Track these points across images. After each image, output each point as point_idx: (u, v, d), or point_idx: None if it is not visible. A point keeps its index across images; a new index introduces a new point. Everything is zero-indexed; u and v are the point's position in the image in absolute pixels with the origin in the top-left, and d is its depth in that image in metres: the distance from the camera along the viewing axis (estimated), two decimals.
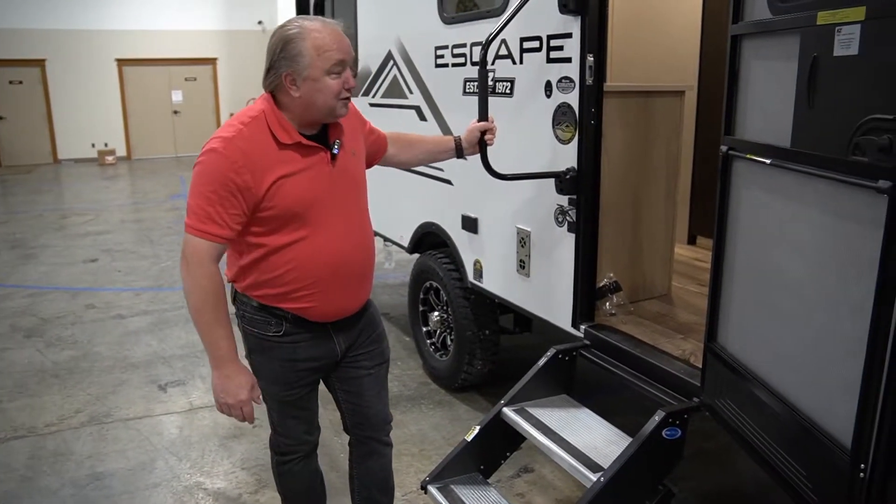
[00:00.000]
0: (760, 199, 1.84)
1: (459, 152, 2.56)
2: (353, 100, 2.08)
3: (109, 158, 16.13)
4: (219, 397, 2.02)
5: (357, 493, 2.47)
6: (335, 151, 2.03)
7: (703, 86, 4.03)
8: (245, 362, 2.09)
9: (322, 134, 2.03)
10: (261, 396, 2.12)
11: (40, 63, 15.76)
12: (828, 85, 1.51)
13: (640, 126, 3.03)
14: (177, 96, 17.08)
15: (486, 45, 2.55)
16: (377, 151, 2.42)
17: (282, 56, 1.89)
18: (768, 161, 1.73)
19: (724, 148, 1.95)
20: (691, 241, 4.22)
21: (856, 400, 1.42)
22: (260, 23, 17.01)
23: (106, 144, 16.46)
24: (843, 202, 1.49)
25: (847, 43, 1.43)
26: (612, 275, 3.05)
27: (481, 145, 2.58)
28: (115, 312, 5.77)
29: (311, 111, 1.95)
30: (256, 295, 2.05)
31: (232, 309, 2.04)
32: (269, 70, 1.94)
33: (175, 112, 17.20)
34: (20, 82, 15.79)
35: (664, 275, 3.28)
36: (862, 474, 1.40)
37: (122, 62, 16.37)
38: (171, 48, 16.48)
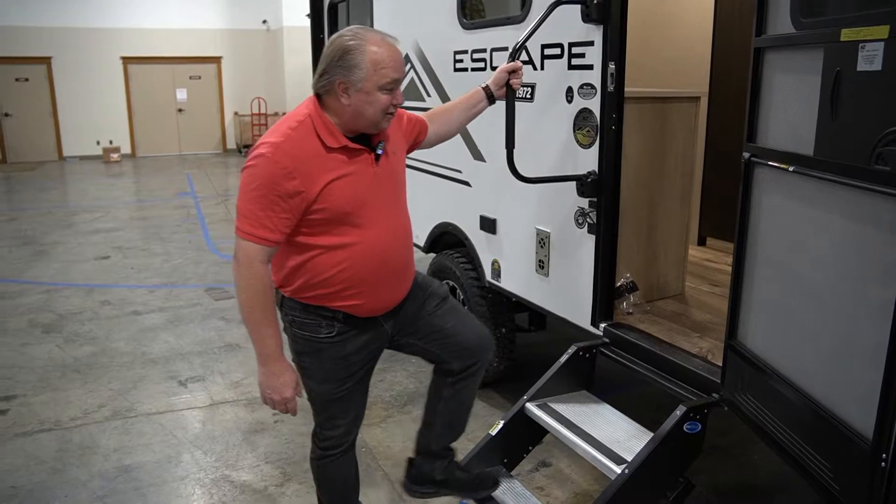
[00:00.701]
0: (782, 204, 1.93)
1: (491, 99, 2.61)
2: None
3: (114, 156, 16.21)
4: (264, 392, 2.10)
5: (440, 415, 2.50)
6: (379, 153, 2.12)
7: (714, 91, 4.13)
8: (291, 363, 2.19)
9: (364, 135, 2.11)
10: (304, 392, 2.20)
11: (46, 61, 15.83)
12: (851, 98, 1.60)
13: (656, 131, 3.12)
14: (181, 94, 17.15)
15: (513, 54, 2.63)
16: (419, 136, 2.49)
17: (338, 64, 1.96)
18: (791, 168, 1.82)
19: (746, 155, 2.04)
20: (701, 242, 4.32)
21: (877, 393, 1.52)
22: (264, 22, 17.08)
23: (111, 142, 16.54)
24: (865, 209, 1.59)
25: (870, 59, 1.52)
26: (629, 275, 3.15)
27: (508, 89, 2.60)
28: (131, 309, 5.86)
29: (358, 121, 2.03)
30: (306, 297, 2.12)
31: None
32: (322, 74, 2.00)
33: (179, 110, 17.27)
34: (26, 80, 15.86)
35: (678, 275, 3.37)
36: (883, 464, 1.50)
37: (127, 60, 16.44)
38: (176, 47, 16.56)
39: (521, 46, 2.64)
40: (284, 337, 2.18)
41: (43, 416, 3.94)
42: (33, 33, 15.44)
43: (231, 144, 17.85)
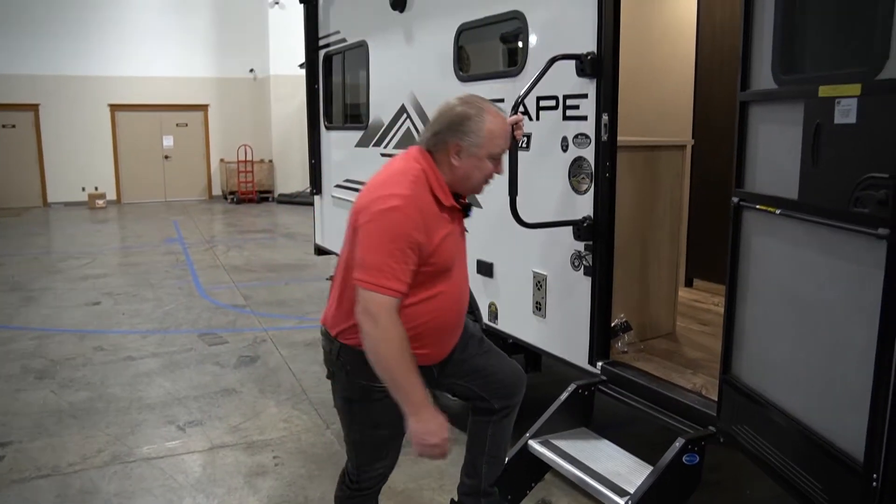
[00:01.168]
0: (769, 244, 2.08)
1: None
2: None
3: (100, 202, 16.23)
4: (423, 440, 2.07)
5: (487, 454, 2.58)
6: (469, 214, 2.29)
7: (697, 139, 4.33)
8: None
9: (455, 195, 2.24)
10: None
11: (34, 108, 15.95)
12: (830, 147, 1.77)
13: (646, 177, 3.29)
14: (168, 141, 17.30)
15: (515, 107, 2.79)
16: None
17: (457, 129, 2.10)
18: (778, 211, 1.97)
19: (735, 199, 2.20)
20: (688, 283, 4.47)
21: (866, 419, 1.64)
22: (251, 71, 17.37)
23: (96, 188, 16.57)
24: (846, 248, 1.73)
25: (846, 113, 1.69)
26: (622, 315, 3.28)
27: (511, 141, 2.70)
28: (125, 355, 5.87)
29: (463, 183, 2.18)
30: None
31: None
32: (436, 133, 2.14)
33: (166, 157, 17.39)
34: (13, 126, 15.95)
35: (669, 315, 3.51)
36: (874, 483, 1.61)
37: (115, 107, 16.61)
38: (163, 94, 16.77)
39: (522, 100, 2.81)
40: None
41: (40, 462, 3.94)
42: (22, 81, 15.58)
43: (217, 191, 17.95)
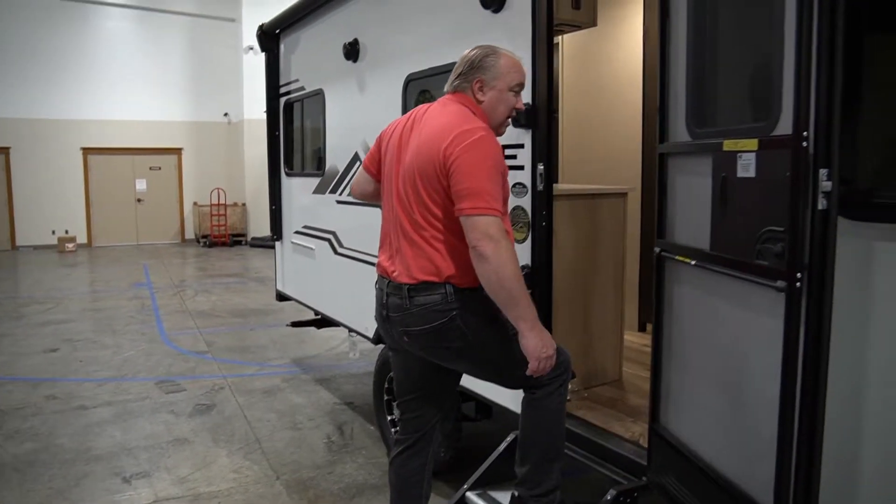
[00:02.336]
0: (689, 294, 2.10)
1: None
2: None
3: (70, 246, 16.06)
4: (540, 353, 2.16)
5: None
6: None
7: (647, 185, 4.40)
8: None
9: None
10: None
11: (5, 151, 15.86)
12: (734, 200, 1.80)
13: (587, 225, 3.33)
14: (141, 185, 17.25)
15: None
16: None
17: (479, 66, 2.28)
18: (693, 262, 2.00)
19: (657, 249, 2.22)
20: (641, 328, 4.49)
21: (773, 467, 1.64)
22: (226, 115, 17.48)
23: (67, 231, 16.42)
24: (752, 299, 1.76)
25: (746, 167, 1.73)
26: None
27: None
28: (78, 404, 5.73)
29: (490, 118, 2.31)
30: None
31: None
32: (460, 75, 2.31)
33: (138, 200, 17.32)
34: None
35: (615, 361, 3.51)
36: None
37: (87, 151, 16.57)
38: (137, 138, 16.79)
39: None
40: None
41: None
42: None
43: (190, 234, 17.86)
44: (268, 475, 4.31)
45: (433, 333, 2.29)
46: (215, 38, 16.52)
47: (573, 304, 3.33)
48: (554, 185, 3.03)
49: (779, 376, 1.64)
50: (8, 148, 15.87)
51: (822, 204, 1.53)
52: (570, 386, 3.24)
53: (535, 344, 2.15)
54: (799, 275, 1.55)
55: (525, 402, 2.47)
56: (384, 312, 2.40)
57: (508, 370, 2.39)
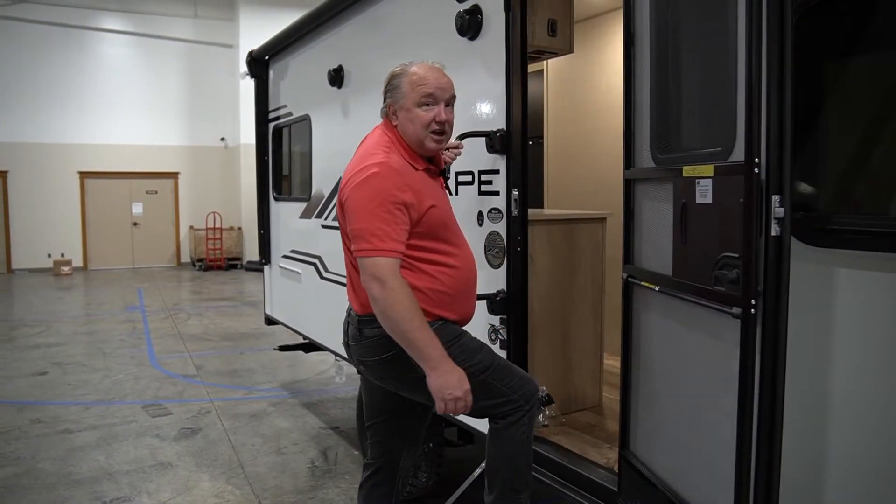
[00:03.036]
0: (655, 320, 2.10)
1: None
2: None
3: (65, 269, 16.05)
4: (444, 394, 2.09)
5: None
6: (447, 176, 2.40)
7: None
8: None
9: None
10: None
11: (2, 175, 15.94)
12: (694, 226, 1.81)
13: (565, 250, 3.34)
14: (137, 208, 17.31)
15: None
16: None
17: (389, 89, 2.26)
18: (657, 288, 2.00)
19: (624, 275, 2.23)
20: None
21: (732, 499, 1.63)
22: (223, 139, 17.57)
23: (62, 254, 16.43)
24: (711, 325, 1.76)
25: (704, 193, 1.74)
26: (544, 388, 3.25)
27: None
28: (63, 427, 5.70)
29: (408, 141, 2.25)
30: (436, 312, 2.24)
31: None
32: (384, 100, 2.30)
33: (135, 224, 17.36)
34: None
35: (594, 387, 3.49)
36: None
37: (84, 175, 16.65)
38: (133, 162, 16.87)
39: (465, 135, 2.90)
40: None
41: None
42: None
43: (185, 258, 17.87)
44: (249, 500, 4.27)
45: (384, 365, 2.29)
46: (213, 64, 16.67)
47: (551, 330, 3.32)
48: (531, 210, 3.05)
49: (733, 399, 1.64)
50: (5, 171, 15.95)
51: (775, 230, 1.54)
52: (548, 412, 3.24)
53: (438, 385, 2.10)
54: (753, 301, 1.56)
55: (489, 432, 2.44)
56: (345, 339, 2.41)
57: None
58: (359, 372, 2.55)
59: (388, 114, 2.29)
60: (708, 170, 1.70)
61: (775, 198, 1.53)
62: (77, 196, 16.72)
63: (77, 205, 16.73)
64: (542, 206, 5.04)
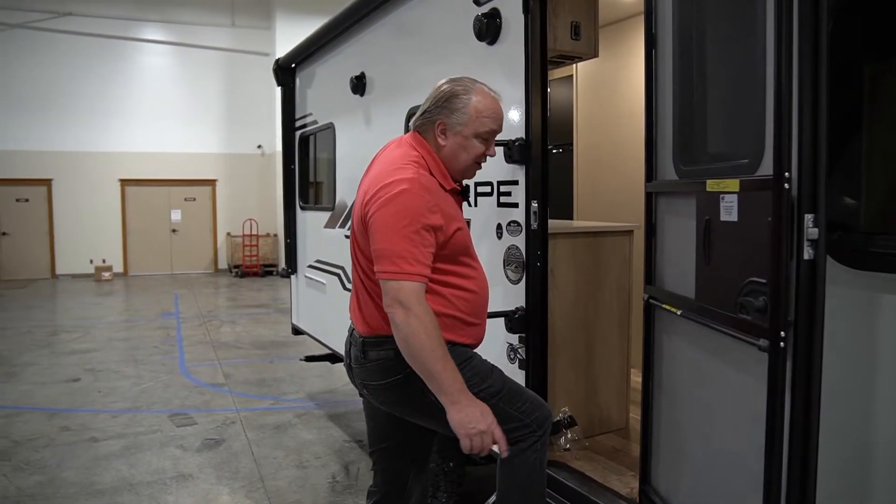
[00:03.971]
0: (677, 345, 1.93)
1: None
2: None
3: (106, 275, 16.36)
4: (468, 429, 1.96)
5: None
6: (468, 198, 2.29)
7: None
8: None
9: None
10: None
11: (47, 182, 16.33)
12: (718, 246, 1.65)
13: (589, 264, 3.17)
14: (176, 215, 17.57)
15: None
16: None
17: (443, 106, 2.08)
18: (679, 312, 1.83)
19: (645, 296, 2.06)
20: None
21: None
22: (259, 147, 17.72)
23: (104, 261, 16.74)
24: (738, 354, 1.59)
25: (729, 210, 1.57)
26: (566, 409, 3.10)
27: None
28: (89, 435, 5.71)
29: (451, 164, 2.12)
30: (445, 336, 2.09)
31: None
32: (425, 112, 2.12)
33: (174, 231, 17.62)
34: (27, 200, 16.31)
35: (621, 408, 3.32)
36: None
37: (125, 182, 16.96)
38: (172, 169, 17.13)
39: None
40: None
41: None
42: (36, 157, 16.03)
43: (223, 264, 18.05)
44: None
45: (390, 389, 2.16)
46: (250, 72, 16.82)
47: (574, 348, 3.16)
48: (554, 222, 2.91)
49: (760, 437, 1.47)
50: (50, 180, 16.34)
51: (808, 253, 1.37)
52: (570, 435, 3.07)
53: (460, 420, 1.96)
54: (783, 333, 1.39)
55: (499, 460, 2.30)
56: (348, 361, 2.29)
57: None
58: (361, 395, 2.42)
59: (436, 132, 2.12)
60: (733, 184, 1.54)
61: (808, 217, 1.36)
62: (118, 203, 17.04)
63: (118, 212, 17.05)
64: (570, 218, 4.88)
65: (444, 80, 2.15)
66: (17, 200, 16.26)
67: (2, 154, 15.79)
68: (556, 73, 5.18)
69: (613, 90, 4.53)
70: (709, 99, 1.80)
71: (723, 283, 1.61)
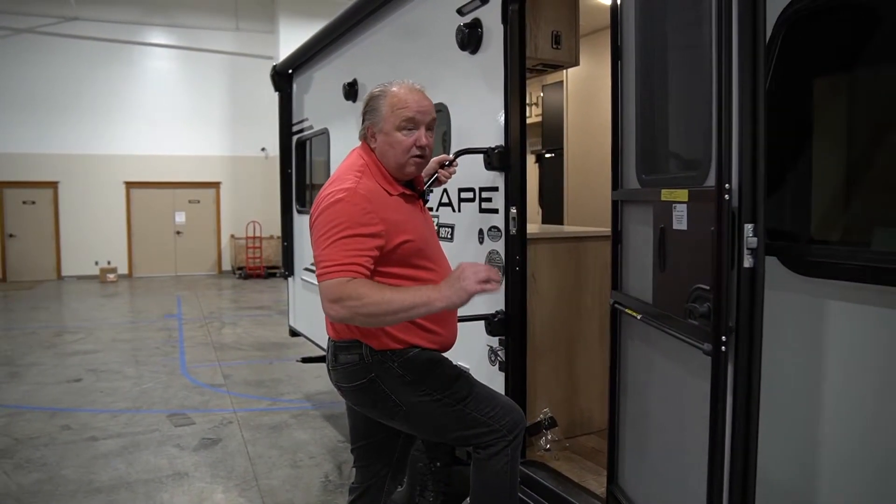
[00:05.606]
0: (638, 348, 2.00)
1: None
2: None
3: (111, 276, 16.50)
4: (471, 291, 1.97)
5: None
6: (427, 199, 2.30)
7: None
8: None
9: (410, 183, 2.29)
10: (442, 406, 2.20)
11: (53, 185, 16.50)
12: (671, 253, 1.71)
13: (570, 269, 3.24)
14: (180, 217, 17.70)
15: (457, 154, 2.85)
16: None
17: (368, 110, 2.19)
18: (639, 316, 1.90)
19: (611, 301, 2.13)
20: None
21: None
22: (263, 149, 17.85)
23: (109, 262, 16.89)
24: (688, 357, 1.65)
25: (680, 218, 1.64)
26: (547, 410, 3.16)
27: (432, 179, 2.61)
28: (89, 434, 5.80)
29: (387, 164, 2.17)
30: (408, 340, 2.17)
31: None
32: (362, 122, 2.22)
33: (178, 233, 17.76)
34: (33, 202, 16.47)
35: (601, 409, 3.37)
36: None
37: (130, 184, 17.11)
38: (177, 172, 17.28)
39: (463, 151, 2.85)
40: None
41: None
42: (42, 160, 16.20)
43: (226, 266, 18.18)
44: None
45: (360, 392, 2.24)
46: (253, 75, 16.91)
47: (556, 351, 3.23)
48: (536, 227, 2.97)
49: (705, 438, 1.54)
50: (56, 182, 16.50)
51: (748, 261, 1.44)
52: (550, 436, 3.14)
53: (461, 299, 1.98)
54: (724, 338, 1.45)
55: (472, 463, 2.36)
56: (327, 363, 2.37)
57: (442, 431, 2.31)
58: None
59: (367, 136, 2.21)
60: (683, 194, 1.61)
61: (748, 226, 1.43)
62: (123, 205, 17.19)
63: (123, 214, 17.20)
64: (561, 222, 4.94)
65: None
66: (24, 203, 16.42)
67: (9, 157, 15.96)
68: (548, 79, 5.26)
69: (601, 96, 4.59)
70: (666, 111, 1.86)
71: (674, 288, 1.68)
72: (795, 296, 1.67)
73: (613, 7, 2.04)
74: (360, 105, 4.39)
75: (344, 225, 2.00)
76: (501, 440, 2.24)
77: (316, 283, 5.51)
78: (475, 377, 3.11)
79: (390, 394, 2.13)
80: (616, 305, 2.10)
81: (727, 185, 1.43)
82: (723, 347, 1.45)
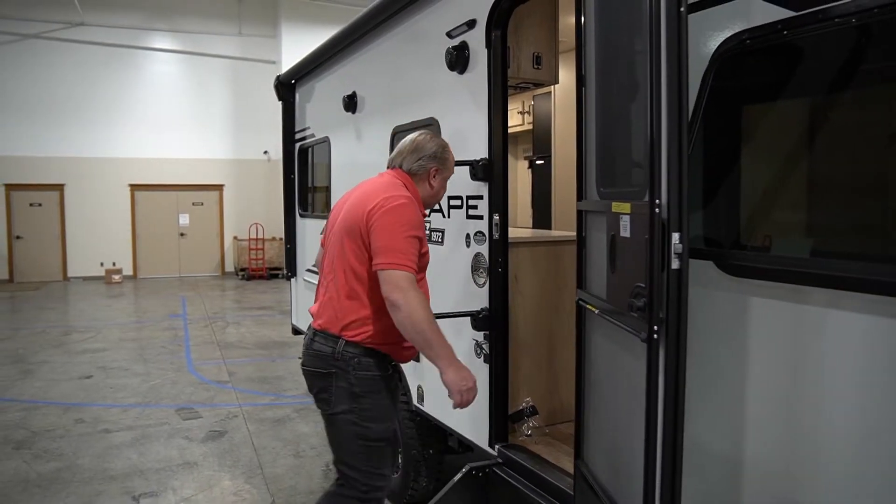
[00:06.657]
0: (598, 340, 2.30)
1: None
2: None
3: (116, 277, 16.82)
4: (459, 386, 2.44)
5: None
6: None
7: None
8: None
9: None
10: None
11: (59, 188, 16.83)
12: (619, 257, 2.01)
13: (550, 270, 3.54)
14: (184, 219, 18.03)
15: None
16: None
17: (438, 156, 2.65)
18: (597, 311, 2.20)
19: (577, 299, 2.43)
20: None
21: None
22: (265, 152, 18.15)
23: (114, 263, 17.21)
24: (631, 346, 1.96)
25: (625, 227, 1.94)
26: (529, 399, 3.46)
27: None
28: (102, 427, 6.11)
29: (433, 199, 2.72)
30: (375, 342, 2.53)
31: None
32: (419, 159, 2.64)
33: (181, 234, 18.08)
34: (39, 205, 16.80)
35: None
36: None
37: (134, 187, 17.45)
38: (181, 175, 17.61)
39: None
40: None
41: None
42: (49, 163, 16.54)
43: (229, 267, 18.49)
44: (264, 499, 4.57)
45: (316, 377, 2.59)
46: (256, 79, 17.24)
47: (538, 346, 3.52)
48: (519, 231, 3.27)
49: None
50: (62, 185, 16.83)
51: (675, 264, 1.73)
52: (532, 423, 3.44)
53: (454, 378, 2.43)
54: (656, 328, 1.75)
55: (326, 493, 2.69)
56: (303, 348, 2.72)
57: (337, 447, 2.63)
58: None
59: (430, 176, 2.66)
60: (627, 207, 1.91)
61: (675, 234, 1.72)
62: (128, 208, 17.52)
63: (128, 216, 17.53)
64: (549, 227, 5.24)
65: (425, 136, 2.70)
66: (31, 205, 16.76)
67: (16, 160, 16.29)
68: (537, 89, 5.56)
69: None
70: (618, 135, 2.16)
71: (621, 287, 1.97)
72: (728, 294, 1.99)
73: (578, 42, 2.34)
74: (359, 116, 4.72)
75: (410, 225, 2.45)
76: (357, 491, 2.56)
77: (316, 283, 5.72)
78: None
79: (334, 391, 2.51)
80: (580, 302, 2.40)
81: (658, 200, 1.72)
82: (655, 336, 1.75)
